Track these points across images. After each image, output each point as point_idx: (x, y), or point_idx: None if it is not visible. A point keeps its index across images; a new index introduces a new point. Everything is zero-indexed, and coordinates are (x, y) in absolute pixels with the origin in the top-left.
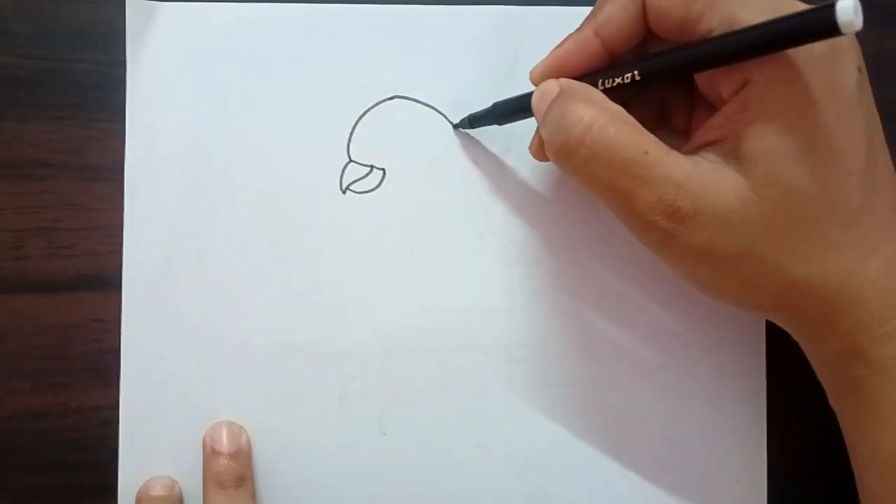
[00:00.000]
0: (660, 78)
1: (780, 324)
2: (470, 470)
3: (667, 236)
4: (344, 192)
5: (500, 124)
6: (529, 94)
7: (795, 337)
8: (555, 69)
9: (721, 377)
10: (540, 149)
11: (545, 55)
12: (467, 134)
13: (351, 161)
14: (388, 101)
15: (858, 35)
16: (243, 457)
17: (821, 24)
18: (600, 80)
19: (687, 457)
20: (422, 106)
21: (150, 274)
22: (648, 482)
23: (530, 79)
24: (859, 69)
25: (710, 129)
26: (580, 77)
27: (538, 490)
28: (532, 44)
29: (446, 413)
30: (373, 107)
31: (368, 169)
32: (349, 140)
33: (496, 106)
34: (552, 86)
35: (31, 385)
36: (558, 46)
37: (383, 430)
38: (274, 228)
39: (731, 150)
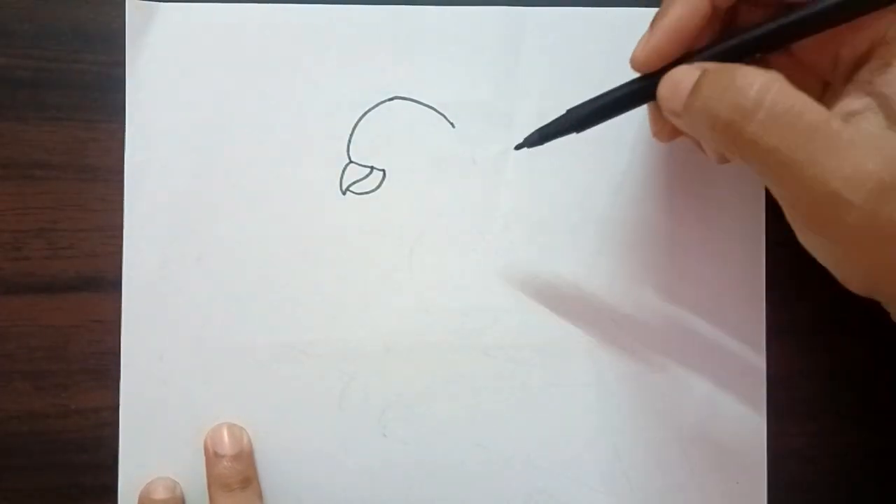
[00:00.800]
0: (799, 38)
1: None
2: (470, 470)
3: (867, 217)
4: (344, 193)
5: (578, 132)
6: (626, 86)
7: None
8: (668, 44)
9: (721, 377)
10: (667, 128)
11: (645, 34)
12: (468, 133)
13: (351, 162)
14: (389, 102)
15: None
16: (246, 457)
17: None
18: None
19: (687, 457)
20: (422, 107)
21: (150, 274)
22: (648, 482)
23: (635, 63)
24: None
25: (849, 99)
26: (695, 54)
27: (538, 490)
28: (532, 44)
29: (446, 413)
30: (373, 108)
31: (368, 170)
32: (349, 141)
33: (572, 112)
34: (687, 72)
35: (31, 386)
36: (663, 16)
37: (383, 430)
38: (274, 229)
39: (889, 116)
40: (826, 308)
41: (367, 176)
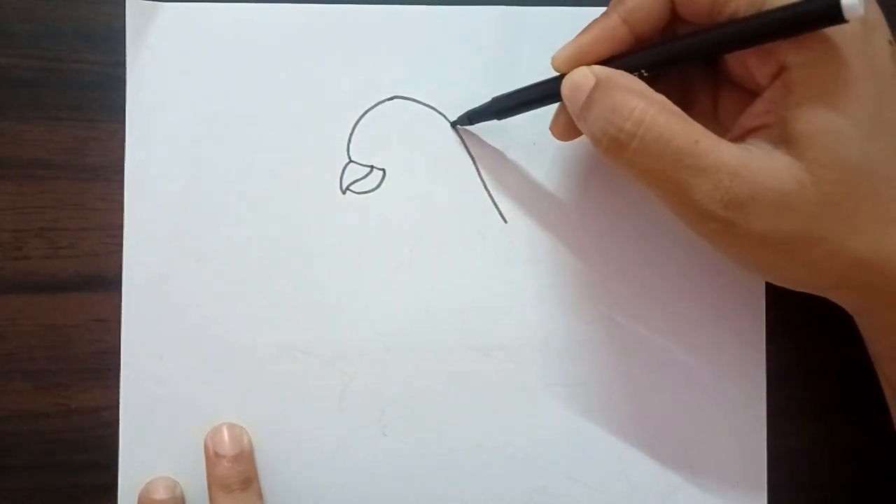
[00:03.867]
0: (690, 61)
1: (838, 301)
2: (470, 470)
3: (725, 225)
4: (344, 193)
5: (499, 119)
6: (544, 83)
7: (852, 311)
8: (580, 56)
9: (721, 377)
10: (565, 128)
11: (569, 41)
12: (467, 132)
13: (351, 161)
14: (388, 102)
15: None
16: (246, 458)
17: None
18: (634, 69)
19: (687, 457)
20: (422, 106)
21: (150, 274)
22: (648, 482)
23: (553, 66)
24: (890, 42)
25: (753, 115)
26: (606, 62)
27: (538, 490)
28: (532, 44)
29: (446, 413)
30: (373, 107)
31: (368, 169)
32: (349, 140)
33: (496, 101)
34: (586, 75)
35: (31, 385)
36: (583, 32)
37: (383, 430)
38: (274, 229)
39: (780, 135)
40: (826, 308)
41: (366, 175)
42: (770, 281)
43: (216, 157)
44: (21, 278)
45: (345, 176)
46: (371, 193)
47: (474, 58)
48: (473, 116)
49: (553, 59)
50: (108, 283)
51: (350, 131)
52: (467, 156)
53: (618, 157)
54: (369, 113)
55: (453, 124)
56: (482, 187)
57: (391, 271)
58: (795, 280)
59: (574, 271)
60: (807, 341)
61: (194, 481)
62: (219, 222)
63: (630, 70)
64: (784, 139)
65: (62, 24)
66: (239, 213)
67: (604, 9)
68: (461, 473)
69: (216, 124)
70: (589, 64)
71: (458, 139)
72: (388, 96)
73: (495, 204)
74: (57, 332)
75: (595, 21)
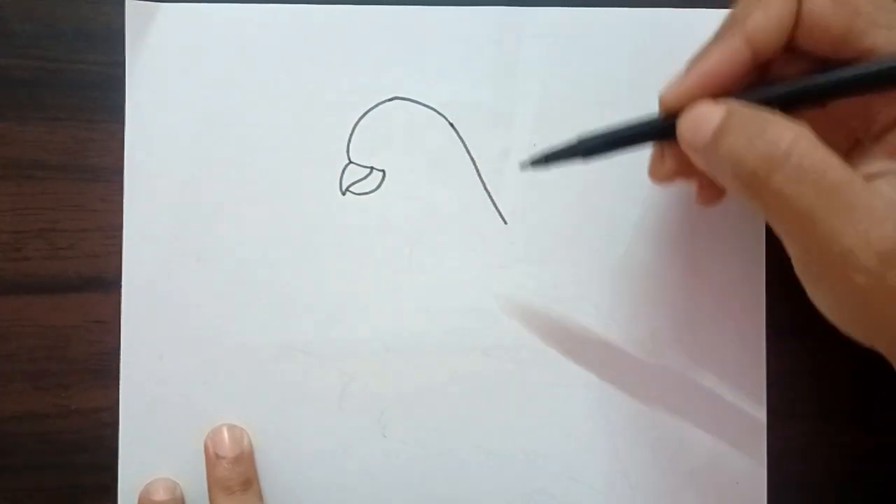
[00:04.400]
0: (831, 100)
1: None
2: (470, 470)
3: (876, 280)
4: (344, 194)
5: (585, 161)
6: (645, 123)
7: None
8: (701, 88)
9: (721, 377)
10: (672, 171)
11: (681, 73)
12: (464, 135)
13: (351, 162)
14: (388, 103)
15: None
16: (246, 459)
17: None
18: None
19: (687, 457)
20: (421, 107)
21: (150, 274)
22: (648, 482)
23: (664, 103)
24: None
25: (875, 157)
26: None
27: (538, 490)
28: (532, 44)
29: (446, 413)
30: (373, 108)
31: (368, 170)
32: (349, 141)
33: (583, 141)
34: (712, 108)
35: (31, 386)
36: (700, 60)
37: (383, 431)
38: (274, 229)
39: None
40: None
41: (366, 176)
42: (881, 346)
43: (216, 158)
44: (21, 279)
45: (345, 177)
46: (371, 194)
47: (474, 58)
48: (552, 157)
49: (662, 97)
50: (107, 283)
51: (350, 132)
52: (467, 156)
53: (761, 188)
54: (369, 114)
55: (523, 166)
56: (482, 188)
57: (391, 272)
58: None
59: (574, 271)
60: (806, 341)
61: (194, 482)
62: (219, 222)
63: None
64: None
65: (62, 24)
66: (239, 213)
67: (604, 9)
68: (461, 474)
69: (216, 124)
70: (713, 93)
71: (458, 140)
72: (388, 97)
73: (495, 205)
74: (57, 333)
75: (712, 46)
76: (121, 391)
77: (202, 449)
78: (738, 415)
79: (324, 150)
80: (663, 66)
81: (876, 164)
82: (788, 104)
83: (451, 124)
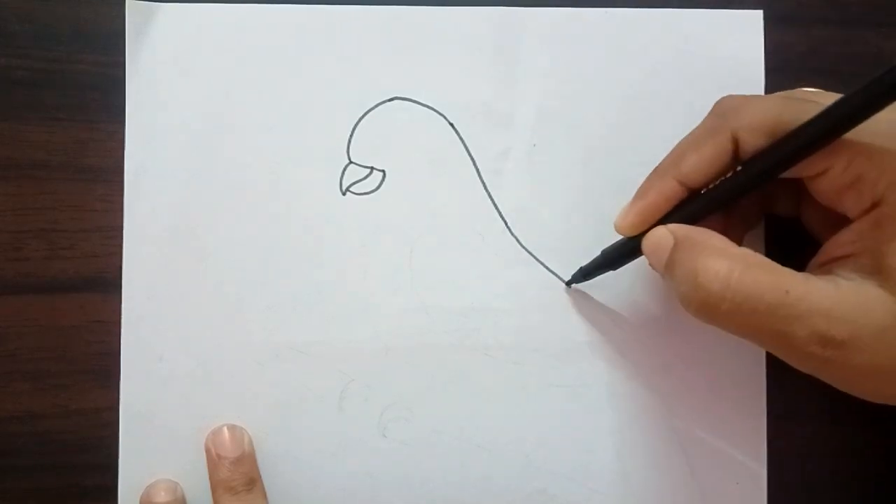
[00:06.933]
0: (757, 189)
1: None
2: (470, 470)
3: (826, 363)
4: (344, 194)
5: (614, 270)
6: (635, 240)
7: None
8: (643, 220)
9: (721, 378)
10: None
11: (627, 205)
12: (464, 135)
13: (351, 163)
14: (388, 103)
15: (859, 36)
16: (249, 459)
17: None
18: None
19: (687, 457)
20: (422, 107)
21: (150, 275)
22: (648, 482)
23: (618, 231)
24: None
25: (840, 244)
26: (671, 214)
27: (538, 490)
28: (532, 44)
29: (446, 413)
30: (373, 108)
31: (368, 170)
32: (349, 142)
33: (606, 254)
34: (664, 235)
35: (31, 386)
36: (639, 197)
37: (383, 431)
38: (274, 229)
39: (870, 266)
40: None
41: (367, 176)
42: (881, 402)
43: (216, 158)
44: (21, 279)
45: (345, 177)
46: (371, 195)
47: (474, 58)
48: (588, 273)
49: (616, 226)
50: (107, 284)
51: (350, 132)
52: (467, 156)
53: (710, 319)
54: (369, 114)
55: (569, 284)
56: (482, 188)
57: (391, 272)
58: None
59: (573, 272)
60: None
61: (195, 482)
62: (218, 223)
63: (702, 216)
64: (875, 270)
65: (62, 25)
66: (239, 214)
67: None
68: (461, 474)
69: (216, 124)
70: (654, 220)
71: (458, 140)
72: (388, 97)
73: (495, 205)
74: (57, 334)
75: (649, 183)
76: (121, 391)
77: (202, 449)
78: (738, 415)
79: (324, 150)
80: (663, 66)
81: (838, 249)
82: (731, 202)
83: (451, 124)
